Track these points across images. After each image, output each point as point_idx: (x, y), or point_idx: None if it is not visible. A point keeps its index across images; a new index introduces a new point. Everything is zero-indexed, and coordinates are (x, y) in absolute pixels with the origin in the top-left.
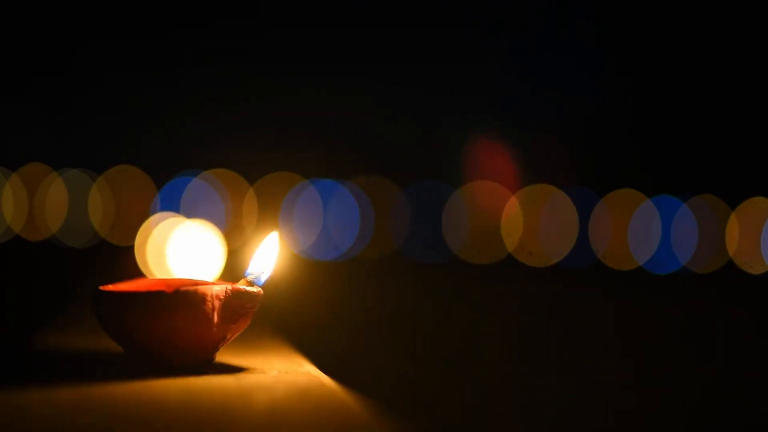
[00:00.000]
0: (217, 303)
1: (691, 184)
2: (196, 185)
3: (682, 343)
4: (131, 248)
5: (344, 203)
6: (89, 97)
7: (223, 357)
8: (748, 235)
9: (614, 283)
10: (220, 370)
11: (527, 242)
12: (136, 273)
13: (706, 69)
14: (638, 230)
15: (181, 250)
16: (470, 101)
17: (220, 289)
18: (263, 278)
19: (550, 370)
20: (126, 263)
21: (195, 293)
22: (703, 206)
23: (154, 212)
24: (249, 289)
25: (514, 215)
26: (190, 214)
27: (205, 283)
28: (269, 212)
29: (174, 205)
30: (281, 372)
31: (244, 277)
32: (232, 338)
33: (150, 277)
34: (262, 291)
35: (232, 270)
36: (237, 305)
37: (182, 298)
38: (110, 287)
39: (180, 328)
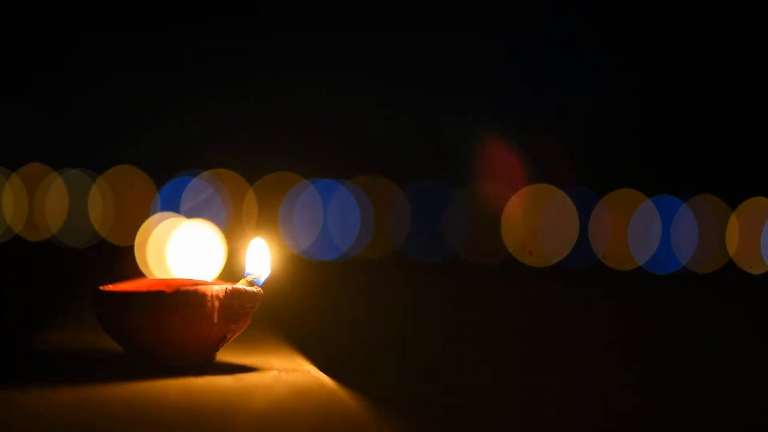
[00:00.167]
0: (217, 303)
1: (691, 184)
2: (196, 185)
3: (682, 343)
4: (131, 248)
5: (344, 203)
6: (89, 97)
7: (223, 357)
8: (748, 235)
9: (614, 283)
10: (220, 370)
11: (527, 242)
12: (136, 273)
13: (706, 69)
14: (638, 230)
15: (181, 250)
16: (470, 101)
17: (220, 289)
18: (263, 278)
19: (550, 370)
20: (126, 263)
21: (195, 293)
22: (703, 206)
23: (154, 212)
24: (249, 289)
25: (514, 215)
26: (190, 214)
27: (205, 283)
28: (269, 212)
29: (174, 205)
30: (281, 372)
31: (244, 277)
32: (232, 338)
33: (150, 277)
34: (262, 291)
35: (232, 270)
36: (237, 305)
37: (182, 298)
38: (110, 287)
39: (180, 328)
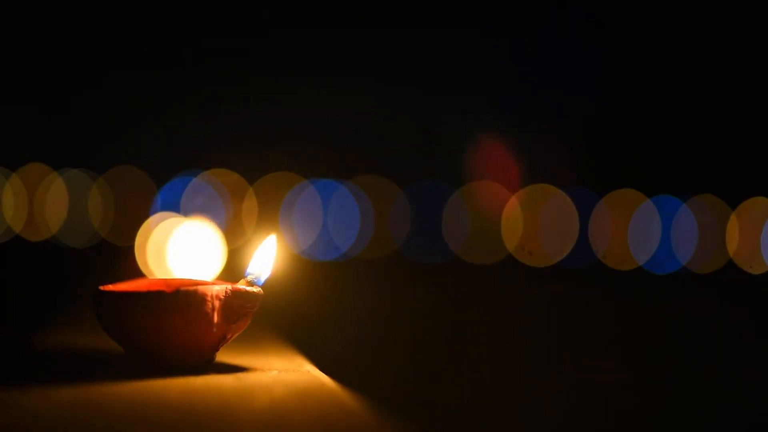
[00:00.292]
0: (217, 303)
1: (691, 184)
2: (196, 185)
3: (682, 343)
4: (131, 248)
5: (344, 203)
6: (89, 97)
7: (223, 357)
8: (748, 235)
9: (614, 283)
10: (220, 370)
11: (527, 242)
12: (136, 273)
13: (706, 69)
14: (638, 230)
15: (181, 250)
16: (470, 101)
17: (220, 289)
18: (263, 278)
19: (550, 370)
20: (126, 263)
21: (195, 293)
22: (703, 206)
23: (154, 212)
24: (249, 289)
25: (514, 215)
26: (189, 213)
27: (205, 283)
28: (269, 212)
29: (174, 205)
30: (281, 372)
31: (244, 277)
32: (232, 338)
33: (150, 277)
34: (262, 291)
35: (232, 270)
36: (237, 305)
37: (182, 298)
38: (110, 287)
39: (180, 328)
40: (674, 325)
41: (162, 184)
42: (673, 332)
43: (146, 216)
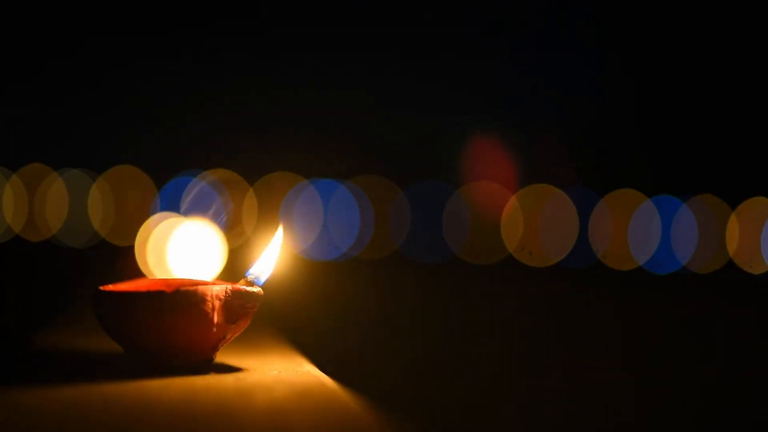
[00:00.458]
0: (217, 303)
1: (691, 184)
2: (196, 185)
3: (682, 343)
4: (131, 248)
5: (344, 203)
6: (89, 97)
7: (223, 357)
8: (748, 235)
9: (614, 283)
10: (220, 370)
11: (527, 242)
12: (136, 273)
13: (706, 69)
14: (638, 230)
15: (181, 250)
16: (470, 101)
17: (220, 289)
18: (263, 278)
19: (550, 370)
20: (126, 263)
21: (195, 293)
22: (703, 206)
23: (154, 212)
24: (249, 289)
25: (514, 215)
26: (189, 213)
27: (205, 283)
28: (269, 212)
29: (174, 205)
30: (281, 372)
31: (244, 277)
32: (232, 338)
33: (150, 277)
34: (262, 291)
35: (232, 270)
36: (237, 305)
37: (182, 298)
38: (110, 287)
39: (180, 328)
40: (674, 325)
41: (162, 184)
42: (673, 332)
43: (146, 216)
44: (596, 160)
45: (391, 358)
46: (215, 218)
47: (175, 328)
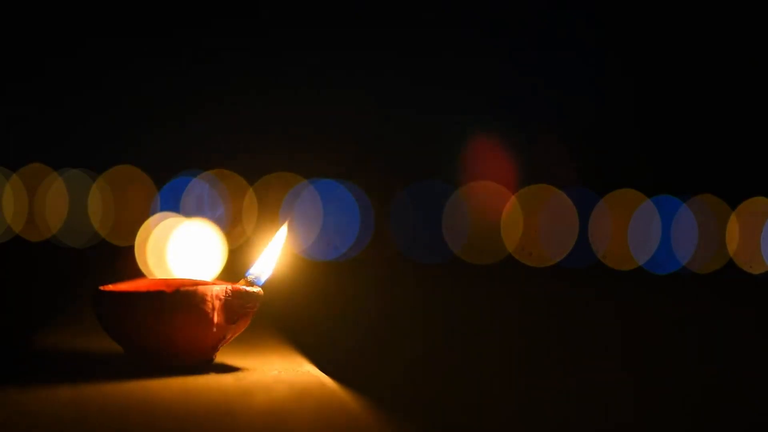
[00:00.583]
0: (217, 303)
1: (691, 184)
2: (196, 185)
3: (682, 343)
4: (131, 248)
5: (344, 203)
6: (89, 97)
7: (223, 357)
8: (748, 235)
9: (614, 283)
10: (220, 370)
11: (527, 242)
12: (136, 273)
13: (706, 69)
14: (638, 230)
15: (181, 250)
16: (470, 101)
17: (220, 289)
18: (263, 278)
19: (550, 370)
20: (126, 263)
21: (195, 293)
22: (703, 206)
23: (154, 212)
24: (249, 289)
25: (514, 215)
26: (189, 214)
27: (205, 283)
28: (269, 212)
29: (174, 205)
30: (281, 372)
31: (244, 277)
32: (232, 338)
33: (150, 277)
34: (262, 291)
35: (232, 270)
36: (237, 305)
37: (182, 298)
38: (110, 287)
39: (180, 328)
40: (674, 325)
41: (162, 184)
42: (673, 332)
43: (146, 216)
44: (596, 160)
45: (391, 358)
46: (214, 216)
47: (175, 328)
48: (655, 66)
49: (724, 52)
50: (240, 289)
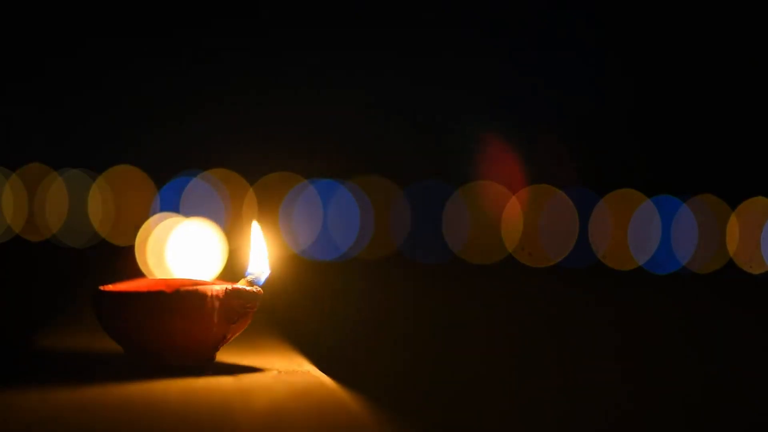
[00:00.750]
0: (217, 303)
1: (691, 184)
2: (196, 185)
3: (682, 343)
4: (131, 248)
5: (344, 203)
6: (89, 97)
7: (223, 357)
8: (748, 235)
9: (614, 283)
10: (220, 370)
11: (527, 242)
12: (136, 273)
13: (706, 69)
14: (638, 230)
15: (181, 250)
16: (470, 101)
17: (220, 289)
18: (263, 278)
19: (550, 370)
20: (126, 263)
21: (195, 293)
22: (703, 206)
23: (154, 212)
24: (249, 288)
25: (514, 215)
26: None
27: (205, 283)
28: (269, 212)
29: (174, 205)
30: (281, 372)
31: (244, 276)
32: (232, 338)
33: (150, 277)
34: (262, 291)
35: (232, 270)
36: (237, 305)
37: (182, 298)
38: (110, 287)
39: (180, 328)
40: (674, 325)
41: (162, 184)
42: (673, 332)
43: (146, 216)
44: (596, 160)
45: (391, 357)
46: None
47: (175, 328)
48: (654, 66)
49: (724, 52)
50: (240, 289)
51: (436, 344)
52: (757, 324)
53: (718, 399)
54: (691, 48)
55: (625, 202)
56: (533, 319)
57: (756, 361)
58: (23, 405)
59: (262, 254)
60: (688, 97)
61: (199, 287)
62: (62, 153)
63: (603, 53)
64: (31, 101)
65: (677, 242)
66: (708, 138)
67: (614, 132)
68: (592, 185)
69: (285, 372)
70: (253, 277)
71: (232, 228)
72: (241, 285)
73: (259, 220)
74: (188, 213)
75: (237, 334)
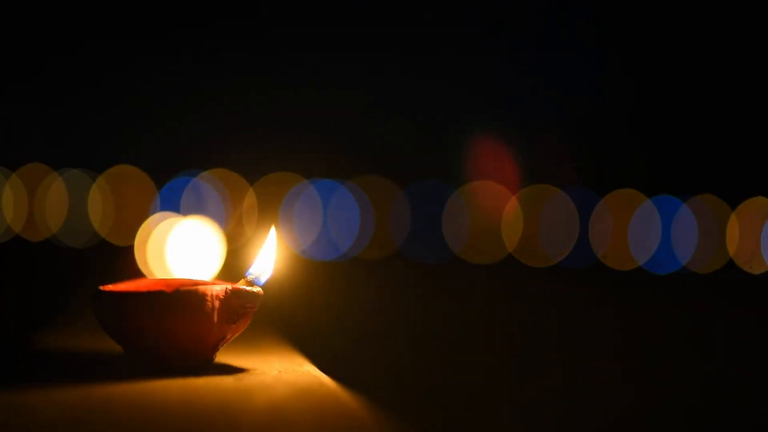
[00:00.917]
0: (217, 303)
1: (691, 184)
2: (196, 185)
3: (682, 343)
4: (131, 248)
5: (344, 203)
6: (89, 97)
7: (223, 357)
8: (748, 235)
9: (614, 283)
10: (220, 370)
11: (527, 242)
12: (136, 273)
13: (706, 69)
14: (638, 230)
15: (181, 249)
16: (470, 101)
17: (220, 289)
18: (263, 278)
19: (550, 370)
20: (126, 263)
21: (195, 293)
22: (703, 206)
23: (154, 212)
24: (249, 288)
25: (514, 215)
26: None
27: (205, 283)
28: (269, 212)
29: (174, 205)
30: (281, 372)
31: (244, 277)
32: (232, 338)
33: (150, 277)
34: (262, 291)
35: (232, 270)
36: (237, 305)
37: (182, 298)
38: (110, 287)
39: (180, 328)
40: (674, 325)
41: (162, 184)
42: (673, 332)
43: (146, 216)
44: (596, 160)
45: (391, 358)
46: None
47: (175, 328)
48: (654, 66)
49: (724, 52)
50: (240, 289)
51: (436, 344)
52: (757, 324)
53: (718, 399)
54: (691, 48)
55: (625, 202)
56: (533, 319)
57: (756, 361)
58: (23, 405)
59: (269, 258)
60: (688, 97)
61: (199, 287)
62: (62, 153)
63: (603, 53)
64: (31, 101)
65: (677, 242)
66: (708, 138)
67: (614, 132)
68: (592, 185)
69: (285, 372)
70: (253, 277)
71: (232, 228)
72: (241, 285)
73: (258, 221)
74: (188, 213)
75: (237, 334)
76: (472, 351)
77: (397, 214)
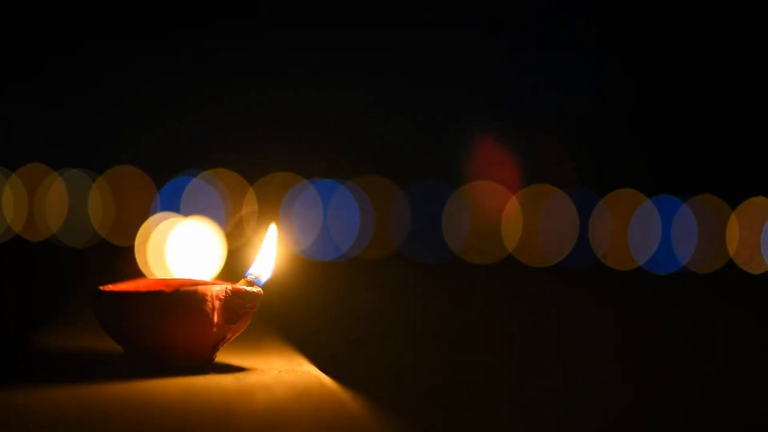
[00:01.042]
0: (217, 303)
1: (691, 184)
2: (196, 185)
3: (682, 343)
4: (131, 248)
5: (344, 203)
6: (89, 97)
7: (223, 357)
8: (748, 235)
9: (614, 283)
10: (220, 370)
11: (527, 242)
12: (136, 273)
13: (706, 69)
14: (638, 230)
15: (181, 249)
16: (470, 101)
17: (220, 289)
18: (263, 278)
19: (550, 370)
20: (126, 263)
21: (195, 293)
22: (703, 206)
23: (154, 212)
24: (249, 289)
25: (514, 215)
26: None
27: (205, 283)
28: (269, 212)
29: (174, 205)
30: (281, 372)
31: (244, 277)
32: (232, 338)
33: (150, 277)
34: (262, 291)
35: (232, 270)
36: (237, 305)
37: (182, 298)
38: (110, 287)
39: (180, 328)
40: (674, 325)
41: (162, 184)
42: (673, 332)
43: (146, 216)
44: (596, 160)
45: (390, 358)
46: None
47: (175, 328)
48: (655, 66)
49: (724, 52)
50: (240, 289)
51: (436, 344)
52: (757, 324)
53: (718, 399)
54: (691, 48)
55: (625, 202)
56: (533, 319)
57: (756, 361)
58: (23, 405)
59: (269, 258)
60: (688, 97)
61: (199, 287)
62: (62, 153)
63: (603, 53)
64: (31, 101)
65: (677, 242)
66: (708, 138)
67: (614, 132)
68: (592, 185)
69: (285, 372)
70: (253, 277)
71: (232, 228)
72: (241, 285)
73: (259, 221)
74: (188, 213)
75: (237, 335)
76: (472, 351)
77: (397, 214)
